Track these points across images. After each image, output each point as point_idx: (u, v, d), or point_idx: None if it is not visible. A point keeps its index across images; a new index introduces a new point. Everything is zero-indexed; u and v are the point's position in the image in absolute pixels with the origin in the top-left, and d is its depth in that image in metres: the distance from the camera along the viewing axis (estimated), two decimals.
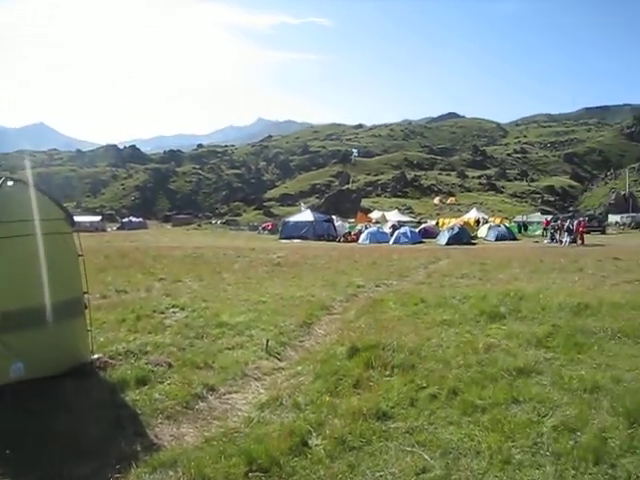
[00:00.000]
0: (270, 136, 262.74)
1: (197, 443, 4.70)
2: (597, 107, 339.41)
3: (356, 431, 4.65)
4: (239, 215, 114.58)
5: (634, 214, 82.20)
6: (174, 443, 4.74)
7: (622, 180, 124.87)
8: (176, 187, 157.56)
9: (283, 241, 43.89)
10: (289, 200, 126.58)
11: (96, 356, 6.56)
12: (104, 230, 74.51)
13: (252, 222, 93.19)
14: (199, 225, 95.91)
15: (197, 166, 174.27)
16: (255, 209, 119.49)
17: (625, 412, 4.70)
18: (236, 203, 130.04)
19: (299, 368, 6.70)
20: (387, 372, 6.14)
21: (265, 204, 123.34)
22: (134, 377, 6.02)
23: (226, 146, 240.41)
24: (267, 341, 7.58)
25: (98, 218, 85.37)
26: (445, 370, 6.09)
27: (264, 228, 70.06)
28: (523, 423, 4.69)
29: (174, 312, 9.88)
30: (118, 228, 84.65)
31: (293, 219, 52.47)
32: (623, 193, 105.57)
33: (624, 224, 74.66)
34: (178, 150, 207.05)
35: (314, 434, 4.67)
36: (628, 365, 6.01)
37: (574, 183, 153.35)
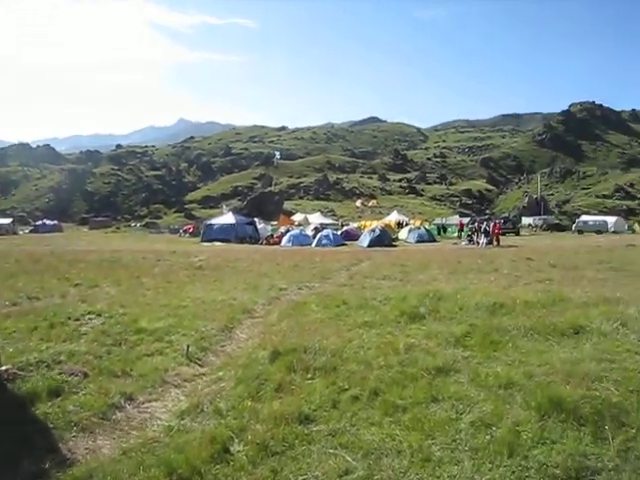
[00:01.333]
0: (192, 137, 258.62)
1: (114, 455, 4.52)
2: (511, 114, 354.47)
3: (278, 436, 4.62)
4: (159, 218, 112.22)
5: (545, 216, 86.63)
6: (89, 457, 4.53)
7: (534, 184, 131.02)
8: (93, 188, 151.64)
9: (205, 244, 43.24)
10: (211, 202, 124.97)
11: (3, 368, 6.17)
12: (15, 233, 70.98)
13: (173, 225, 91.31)
14: (118, 228, 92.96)
15: (115, 167, 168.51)
16: (176, 211, 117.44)
17: (537, 406, 4.90)
18: (156, 205, 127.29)
19: (220, 373, 6.59)
20: (309, 375, 6.12)
21: (186, 206, 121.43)
22: (46, 388, 5.71)
23: (146, 147, 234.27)
24: (187, 347, 7.41)
25: (8, 220, 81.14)
26: (367, 371, 6.14)
27: (185, 231, 68.71)
28: (442, 421, 4.79)
29: (90, 319, 9.47)
30: (31, 231, 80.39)
31: (215, 222, 51.74)
32: (535, 197, 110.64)
33: (536, 226, 78.45)
34: (95, 150, 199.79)
35: (236, 440, 4.59)
36: (539, 361, 6.26)
37: (490, 187, 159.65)
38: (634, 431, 4.45)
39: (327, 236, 42.08)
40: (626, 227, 75.10)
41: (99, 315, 9.68)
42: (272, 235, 50.24)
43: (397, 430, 4.69)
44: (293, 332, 8.17)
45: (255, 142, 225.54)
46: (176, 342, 7.87)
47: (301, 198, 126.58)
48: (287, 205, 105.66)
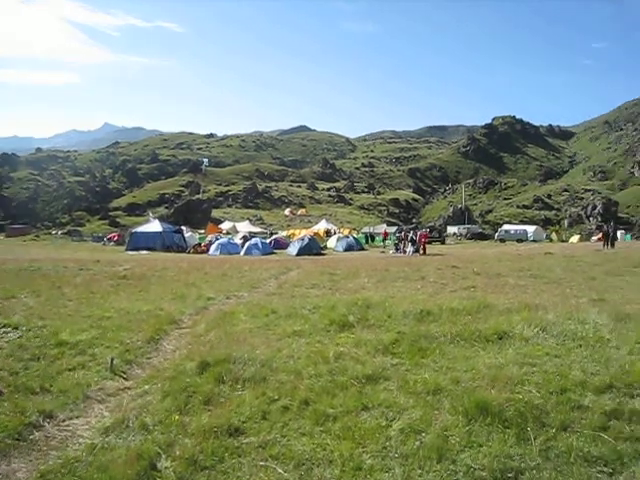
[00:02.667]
0: (117, 142, 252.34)
1: (31, 478, 4.29)
2: (437, 126, 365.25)
3: (208, 449, 4.52)
4: (82, 225, 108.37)
5: (469, 226, 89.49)
6: None
7: (459, 194, 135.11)
8: (10, 194, 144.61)
9: (130, 252, 42.04)
10: (137, 210, 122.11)
11: None
12: None
13: (97, 233, 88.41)
14: (37, 236, 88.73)
15: (35, 172, 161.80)
16: (100, 219, 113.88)
17: (464, 410, 5.03)
18: (79, 212, 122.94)
19: (146, 387, 6.35)
20: (239, 386, 6.03)
21: (111, 214, 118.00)
22: None
23: (68, 151, 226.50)
24: (112, 360, 7.12)
25: None
26: (297, 381, 6.11)
27: (110, 239, 66.63)
28: (372, 428, 4.83)
29: (6, 332, 8.93)
30: None
31: (141, 230, 50.47)
32: (460, 206, 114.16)
33: (461, 235, 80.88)
34: (13, 153, 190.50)
35: (163, 456, 4.46)
36: (465, 366, 6.41)
37: (417, 196, 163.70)
38: (554, 431, 4.66)
39: (256, 245, 41.84)
40: (544, 236, 78.60)
41: (15, 328, 9.13)
42: (200, 244, 49.49)
43: (328, 439, 4.68)
44: (222, 342, 8.03)
45: (183, 149, 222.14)
46: (99, 355, 7.56)
47: (229, 206, 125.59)
48: (215, 213, 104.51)
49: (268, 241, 48.23)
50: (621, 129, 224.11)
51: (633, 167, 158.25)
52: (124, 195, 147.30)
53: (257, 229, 78.12)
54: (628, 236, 79.33)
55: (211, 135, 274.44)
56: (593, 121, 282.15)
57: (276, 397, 5.66)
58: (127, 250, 44.80)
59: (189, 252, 44.46)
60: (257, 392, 5.81)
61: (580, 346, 7.11)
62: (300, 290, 14.53)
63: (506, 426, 4.75)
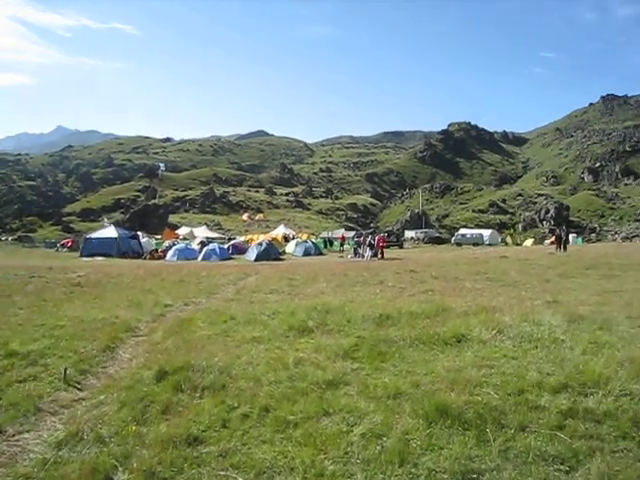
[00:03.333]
0: (70, 146, 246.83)
1: None
2: (394, 132, 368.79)
3: (166, 460, 4.43)
4: (34, 231, 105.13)
5: (427, 230, 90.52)
6: None
7: (416, 199, 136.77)
8: None
9: (84, 259, 41.08)
10: (91, 215, 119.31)
11: None
12: None
13: (49, 239, 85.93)
14: None
15: None
16: (53, 224, 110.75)
17: (424, 414, 5.06)
18: (30, 218, 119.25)
19: (102, 397, 6.17)
20: (197, 394, 5.95)
21: (64, 219, 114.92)
22: None
23: (19, 154, 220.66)
24: (65, 370, 6.91)
25: None
26: (256, 388, 6.05)
27: (63, 245, 64.94)
28: (334, 434, 4.81)
29: None
30: None
31: (95, 235, 49.39)
32: (417, 211, 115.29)
33: (418, 239, 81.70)
34: None
35: (120, 469, 4.35)
36: (425, 370, 6.46)
37: (374, 201, 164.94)
38: (513, 431, 4.73)
39: (213, 250, 41.46)
40: (499, 239, 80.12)
41: None
42: (156, 249, 48.79)
43: (289, 446, 4.65)
44: (179, 350, 7.91)
45: (139, 153, 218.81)
46: (52, 365, 7.34)
47: (187, 211, 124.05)
48: (172, 218, 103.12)
49: (226, 246, 47.81)
50: (571, 136, 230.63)
51: (583, 173, 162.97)
52: (78, 200, 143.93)
53: (215, 234, 77.44)
54: (579, 239, 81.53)
55: (168, 139, 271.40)
56: (545, 128, 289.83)
57: (236, 405, 5.59)
58: (81, 256, 43.77)
59: (145, 258, 43.73)
60: (216, 400, 5.73)
61: (536, 347, 7.24)
62: (259, 296, 14.43)
63: (466, 428, 4.80)
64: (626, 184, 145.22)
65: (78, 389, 6.65)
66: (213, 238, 64.64)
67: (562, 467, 4.17)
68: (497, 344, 7.48)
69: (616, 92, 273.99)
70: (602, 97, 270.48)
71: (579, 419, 4.94)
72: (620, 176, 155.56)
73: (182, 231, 79.92)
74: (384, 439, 4.67)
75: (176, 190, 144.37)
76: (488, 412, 5.05)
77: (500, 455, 4.34)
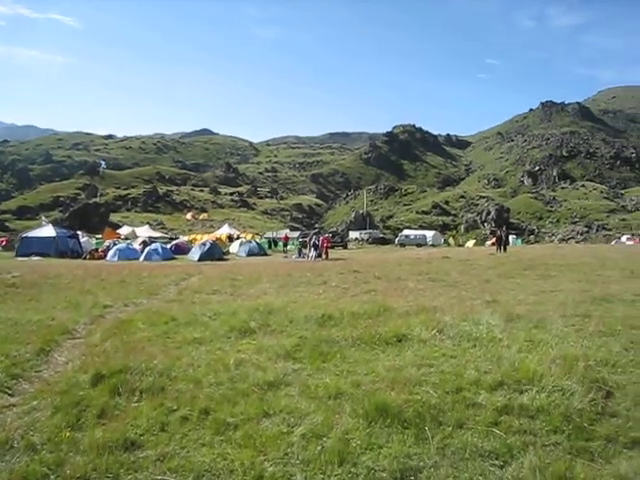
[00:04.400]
0: (6, 141, 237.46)
1: None
2: (340, 133, 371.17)
3: (101, 466, 4.30)
4: None
5: (371, 231, 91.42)
6: None
7: (360, 200, 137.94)
8: None
9: (20, 259, 39.61)
10: (28, 213, 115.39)
11: None
12: None
13: None
14: None
15: None
16: None
17: (364, 413, 5.09)
18: None
19: (35, 403, 5.90)
20: (135, 397, 5.79)
21: None
22: None
23: None
24: None
25: None
26: (196, 390, 5.96)
27: None
28: (274, 435, 4.79)
29: None
30: None
31: (32, 234, 47.74)
32: (361, 212, 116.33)
33: (362, 240, 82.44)
34: None
35: (52, 477, 4.20)
36: (366, 370, 6.52)
37: (320, 202, 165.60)
38: (450, 429, 4.83)
39: (156, 250, 40.72)
40: (442, 240, 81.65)
41: None
42: (97, 249, 47.56)
43: (229, 449, 4.60)
44: (118, 352, 7.70)
45: (79, 150, 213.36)
46: None
47: (129, 210, 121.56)
48: (113, 217, 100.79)
49: (169, 246, 47.05)
50: (512, 140, 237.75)
51: (523, 176, 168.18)
52: (14, 197, 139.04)
53: (157, 234, 76.01)
54: (519, 241, 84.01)
55: (110, 136, 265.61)
56: (487, 132, 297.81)
57: (175, 407, 5.50)
58: (17, 256, 42.19)
59: (85, 258, 42.52)
60: (155, 403, 5.61)
61: (474, 346, 7.41)
62: (201, 296, 14.26)
63: (405, 427, 4.86)
64: (563, 187, 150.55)
65: (9, 395, 6.34)
66: (156, 238, 63.43)
67: (497, 462, 4.28)
68: (437, 343, 7.62)
69: (555, 99, 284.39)
70: (541, 103, 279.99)
71: (514, 415, 5.08)
72: (557, 180, 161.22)
73: (124, 230, 78.12)
74: (324, 439, 4.68)
75: (118, 188, 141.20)
76: (427, 410, 5.14)
77: (438, 452, 4.42)
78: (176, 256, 42.49)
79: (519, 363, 6.40)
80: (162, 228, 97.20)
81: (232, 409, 5.39)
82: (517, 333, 8.05)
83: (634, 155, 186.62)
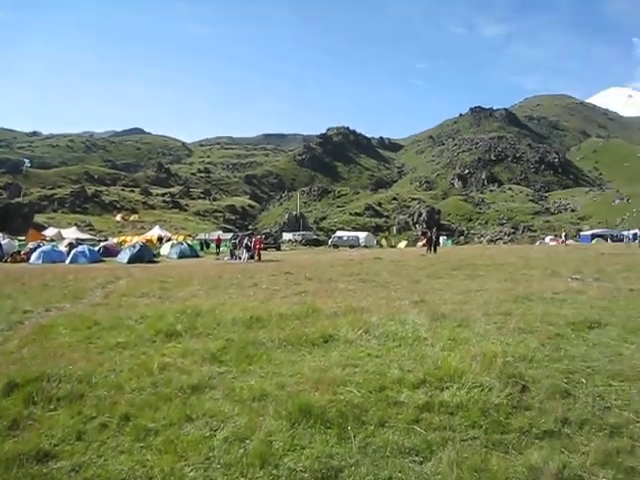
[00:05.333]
0: None
1: None
2: (274, 134, 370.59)
3: None
4: None
5: (304, 232, 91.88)
6: None
7: (294, 201, 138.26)
8: None
9: None
10: None
11: None
12: None
13: None
14: None
15: None
16: None
17: (287, 414, 5.09)
18: None
19: None
20: (52, 406, 5.56)
21: None
22: None
23: None
24: None
25: None
26: (117, 396, 5.80)
27: None
28: (196, 440, 4.72)
29: None
30: None
31: None
32: (295, 213, 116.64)
33: (296, 241, 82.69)
34: None
35: None
36: (291, 371, 6.52)
37: (253, 203, 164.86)
38: (373, 427, 4.89)
39: (83, 252, 39.42)
40: (375, 242, 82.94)
41: None
42: (19, 251, 45.53)
43: (148, 455, 4.50)
44: (36, 359, 7.38)
45: (1, 147, 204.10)
46: None
47: (55, 211, 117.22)
48: (38, 218, 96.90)
49: (97, 248, 45.68)
50: (443, 144, 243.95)
51: (453, 179, 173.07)
52: None
53: (85, 236, 73.65)
54: (449, 242, 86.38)
55: (35, 133, 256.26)
56: (419, 135, 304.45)
57: (94, 415, 5.32)
58: None
59: (6, 261, 40.72)
60: (73, 411, 5.41)
61: (399, 345, 7.53)
62: (128, 300, 13.89)
63: (328, 427, 4.88)
64: (491, 190, 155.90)
65: None
66: (83, 240, 61.46)
67: (417, 458, 4.36)
68: (363, 343, 7.70)
69: (483, 104, 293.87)
70: (471, 109, 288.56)
71: (434, 412, 5.19)
72: (486, 183, 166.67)
73: (49, 232, 75.28)
74: (247, 442, 4.64)
75: (43, 188, 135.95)
76: (350, 410, 5.18)
77: (360, 451, 4.46)
78: (104, 258, 41.31)
79: (441, 361, 6.54)
80: (90, 230, 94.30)
81: (154, 414, 5.28)
82: (441, 332, 8.23)
83: (557, 160, 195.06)
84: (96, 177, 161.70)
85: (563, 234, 60.59)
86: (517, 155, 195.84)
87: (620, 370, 6.28)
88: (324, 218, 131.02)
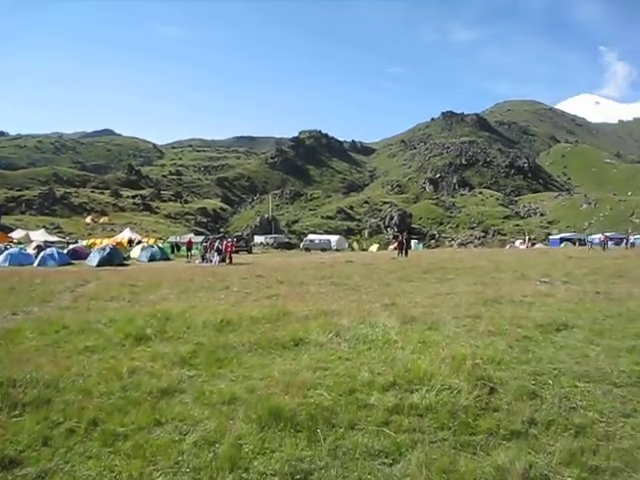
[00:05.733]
0: None
1: None
2: (246, 137, 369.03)
3: None
4: None
5: (276, 235, 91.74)
6: None
7: (266, 204, 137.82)
8: None
9: None
10: None
11: None
12: None
13: None
14: None
15: None
16: None
17: (258, 418, 5.09)
18: None
19: None
20: (17, 412, 5.45)
21: None
22: None
23: None
24: None
25: None
26: (85, 400, 5.72)
27: None
28: (165, 444, 4.69)
29: None
30: None
31: None
32: (267, 216, 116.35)
33: (268, 244, 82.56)
34: None
35: None
36: (262, 374, 6.51)
37: (225, 206, 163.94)
38: (342, 430, 4.91)
39: (51, 255, 38.72)
40: (346, 245, 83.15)
41: None
42: None
43: (117, 460, 4.45)
44: (1, 364, 7.26)
45: None
46: None
47: (23, 213, 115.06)
48: (5, 220, 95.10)
49: (65, 251, 44.96)
50: (415, 148, 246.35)
51: (425, 183, 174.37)
52: None
53: (54, 238, 72.48)
54: (420, 245, 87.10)
55: (2, 134, 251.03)
56: (391, 139, 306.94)
57: (61, 420, 5.24)
58: None
59: None
60: (39, 416, 5.32)
61: (370, 348, 7.58)
62: (97, 303, 13.72)
63: (298, 430, 4.89)
64: (462, 194, 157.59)
65: None
66: (52, 242, 60.49)
67: (386, 460, 4.40)
68: (333, 347, 7.74)
69: (455, 109, 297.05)
70: (442, 113, 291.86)
71: (404, 414, 5.24)
72: (457, 187, 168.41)
73: (17, 234, 73.89)
74: (217, 446, 4.63)
75: (11, 189, 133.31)
76: (320, 413, 5.20)
77: (329, 454, 4.48)
78: (74, 261, 40.63)
79: (411, 364, 6.61)
80: (59, 232, 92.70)
81: (122, 419, 5.22)
82: (411, 335, 8.31)
83: (526, 165, 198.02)
84: (65, 178, 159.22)
85: (527, 237, 61.37)
86: (488, 160, 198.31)
87: (586, 371, 6.42)
88: (296, 221, 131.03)
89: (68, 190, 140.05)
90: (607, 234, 61.98)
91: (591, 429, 4.89)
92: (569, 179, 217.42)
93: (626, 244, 58.71)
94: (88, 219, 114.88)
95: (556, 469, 4.21)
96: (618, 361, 6.85)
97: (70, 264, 38.61)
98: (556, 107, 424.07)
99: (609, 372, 6.38)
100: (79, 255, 44.45)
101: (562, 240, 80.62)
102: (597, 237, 66.39)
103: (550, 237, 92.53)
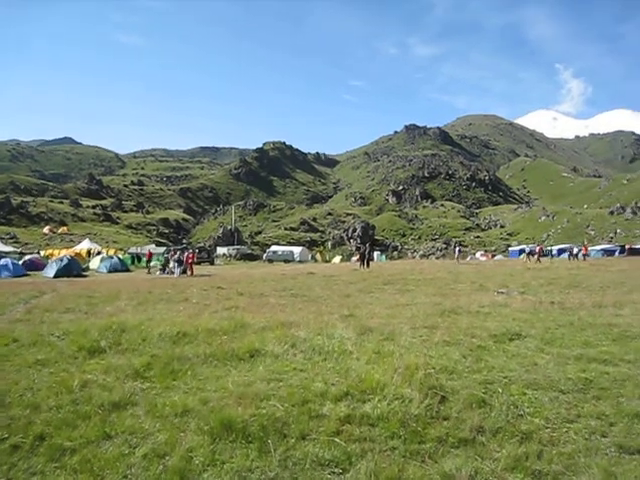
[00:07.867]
0: None
1: None
2: (210, 147, 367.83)
3: None
4: None
5: (239, 246, 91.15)
6: None
7: (229, 215, 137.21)
8: None
9: None
10: None
11: None
12: None
13: None
14: None
15: None
16: None
17: (209, 430, 5.09)
18: None
19: None
20: None
21: None
22: None
23: None
24: None
25: None
26: (33, 415, 5.61)
27: None
28: (114, 458, 4.64)
29: None
30: None
31: None
32: (230, 227, 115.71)
33: (230, 255, 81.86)
34: None
35: None
36: (216, 386, 6.49)
37: (187, 216, 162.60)
38: (294, 440, 4.94)
39: (6, 266, 37.76)
40: (310, 257, 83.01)
41: None
42: None
43: (62, 476, 4.40)
44: None
45: None
46: None
47: None
48: None
49: (21, 262, 43.90)
50: (378, 160, 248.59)
51: (388, 195, 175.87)
52: None
53: (9, 248, 70.53)
54: (383, 257, 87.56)
55: None
56: (355, 151, 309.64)
57: (5, 436, 5.12)
58: None
59: None
60: None
61: (325, 359, 7.62)
62: (52, 315, 13.42)
63: (249, 441, 4.91)
64: (424, 206, 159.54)
65: None
66: (7, 252, 58.93)
67: (336, 470, 4.45)
68: (289, 358, 7.75)
69: (417, 122, 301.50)
70: (405, 126, 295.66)
71: (355, 424, 5.29)
72: (419, 199, 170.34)
73: None
74: (167, 458, 4.62)
75: None
76: (272, 424, 5.21)
77: (280, 464, 4.50)
78: (29, 272, 39.72)
79: (365, 374, 6.66)
80: (15, 242, 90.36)
81: (71, 433, 5.15)
82: (367, 345, 8.38)
83: (487, 178, 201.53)
84: (22, 187, 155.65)
85: (457, 249, 60.67)
86: (450, 172, 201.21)
87: (534, 379, 6.58)
88: (259, 232, 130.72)
89: (25, 199, 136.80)
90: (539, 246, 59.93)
91: (536, 435, 5.02)
92: (528, 192, 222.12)
93: (569, 256, 52.95)
94: (46, 229, 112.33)
95: (501, 475, 4.32)
96: (566, 368, 7.05)
97: (26, 275, 37.77)
98: (516, 122, 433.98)
99: (557, 380, 6.55)
100: (35, 266, 43.42)
101: (521, 252, 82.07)
102: (555, 248, 67.49)
103: (510, 249, 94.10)
